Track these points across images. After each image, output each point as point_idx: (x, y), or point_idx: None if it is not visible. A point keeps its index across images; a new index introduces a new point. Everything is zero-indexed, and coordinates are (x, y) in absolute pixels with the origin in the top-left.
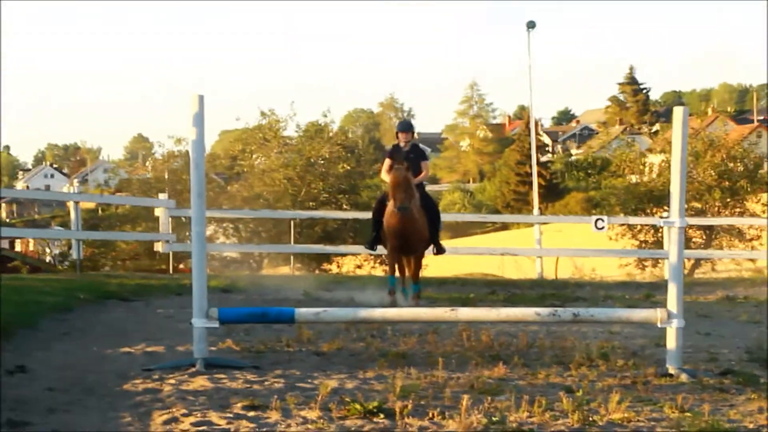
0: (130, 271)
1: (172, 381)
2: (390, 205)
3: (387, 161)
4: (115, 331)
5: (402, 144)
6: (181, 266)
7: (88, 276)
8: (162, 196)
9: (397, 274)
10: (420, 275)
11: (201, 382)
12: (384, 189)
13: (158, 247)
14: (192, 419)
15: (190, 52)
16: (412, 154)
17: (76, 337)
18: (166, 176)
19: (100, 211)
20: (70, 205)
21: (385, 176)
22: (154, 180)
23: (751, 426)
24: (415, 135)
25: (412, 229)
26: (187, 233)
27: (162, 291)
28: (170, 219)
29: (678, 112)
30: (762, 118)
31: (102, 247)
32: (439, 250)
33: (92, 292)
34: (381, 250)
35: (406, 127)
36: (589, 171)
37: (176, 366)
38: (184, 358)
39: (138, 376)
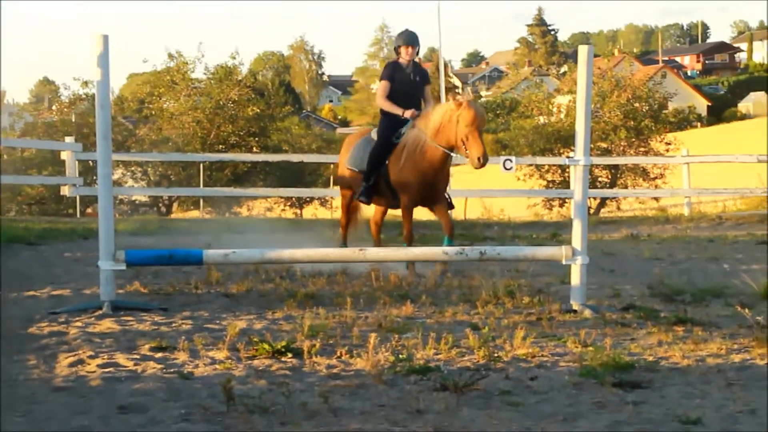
0: (36, 215)
1: (79, 324)
2: (414, 146)
3: (384, 84)
4: (20, 274)
5: (404, 62)
6: (89, 210)
7: None
8: (68, 140)
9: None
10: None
11: (108, 325)
12: (375, 123)
13: (65, 191)
14: (98, 361)
15: None
16: (417, 77)
17: None
18: (73, 119)
19: (5, 156)
20: None
21: (383, 103)
22: (60, 123)
23: (650, 359)
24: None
25: (443, 175)
26: (95, 177)
27: (68, 235)
28: (77, 162)
29: (583, 50)
30: (666, 58)
31: (7, 191)
32: (450, 204)
33: None
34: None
35: (411, 39)
36: (498, 112)
37: (83, 309)
38: (90, 301)
39: (43, 320)
